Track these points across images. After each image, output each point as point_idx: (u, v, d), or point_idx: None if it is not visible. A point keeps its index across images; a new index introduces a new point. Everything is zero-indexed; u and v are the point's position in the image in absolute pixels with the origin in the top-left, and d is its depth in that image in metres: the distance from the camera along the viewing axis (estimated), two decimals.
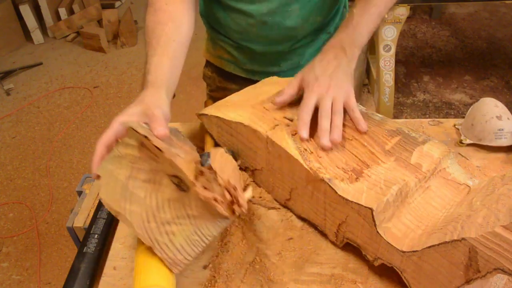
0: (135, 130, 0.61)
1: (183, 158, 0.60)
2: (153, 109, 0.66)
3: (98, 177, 0.66)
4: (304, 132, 0.72)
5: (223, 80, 1.13)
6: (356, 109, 0.74)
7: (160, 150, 0.59)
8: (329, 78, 0.75)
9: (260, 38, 0.98)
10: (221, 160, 0.64)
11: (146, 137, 0.60)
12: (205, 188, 0.58)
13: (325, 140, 0.71)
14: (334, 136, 0.71)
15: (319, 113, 0.73)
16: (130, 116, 0.67)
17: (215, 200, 0.57)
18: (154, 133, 0.62)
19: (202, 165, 0.60)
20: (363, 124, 0.73)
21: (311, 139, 0.74)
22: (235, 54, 1.05)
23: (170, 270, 0.62)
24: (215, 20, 1.02)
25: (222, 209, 0.57)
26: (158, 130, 0.62)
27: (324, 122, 0.72)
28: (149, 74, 0.74)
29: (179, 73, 0.80)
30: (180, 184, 0.61)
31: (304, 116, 0.73)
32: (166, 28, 0.79)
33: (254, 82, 0.98)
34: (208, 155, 0.67)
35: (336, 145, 0.72)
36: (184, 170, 0.58)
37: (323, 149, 0.71)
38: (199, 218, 0.60)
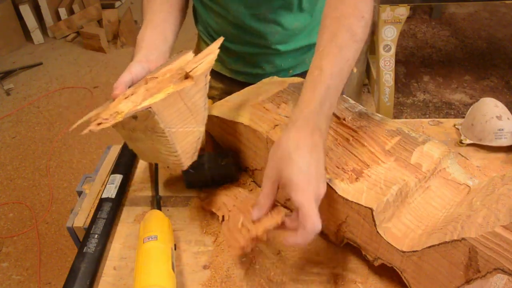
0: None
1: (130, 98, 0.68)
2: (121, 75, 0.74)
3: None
4: (255, 215, 0.63)
5: (211, 78, 1.14)
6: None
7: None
8: (315, 179, 0.60)
9: (236, 39, 0.98)
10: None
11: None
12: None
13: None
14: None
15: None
16: None
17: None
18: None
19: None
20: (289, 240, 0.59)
21: None
22: (219, 53, 1.05)
23: (171, 270, 0.62)
24: (200, 17, 1.04)
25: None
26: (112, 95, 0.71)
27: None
28: (135, 47, 0.82)
29: (169, 33, 0.85)
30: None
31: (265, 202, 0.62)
32: (157, 2, 0.87)
33: (239, 82, 0.98)
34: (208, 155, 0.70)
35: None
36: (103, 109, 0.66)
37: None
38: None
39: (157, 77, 0.70)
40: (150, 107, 0.62)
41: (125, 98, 0.67)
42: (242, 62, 1.05)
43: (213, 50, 0.73)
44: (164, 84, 0.67)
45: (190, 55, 0.77)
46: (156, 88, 0.66)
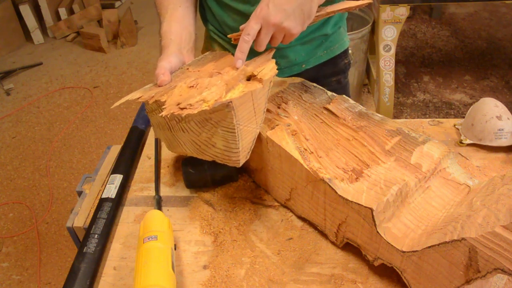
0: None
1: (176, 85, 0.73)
2: (158, 64, 0.78)
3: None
4: (239, 62, 0.73)
5: None
6: (260, 45, 0.74)
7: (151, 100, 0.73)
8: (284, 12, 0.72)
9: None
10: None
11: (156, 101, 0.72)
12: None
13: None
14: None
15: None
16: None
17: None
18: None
19: None
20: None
21: (309, 139, 0.74)
22: (232, 51, 1.05)
23: (171, 270, 0.63)
24: (212, 16, 1.03)
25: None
26: (158, 81, 0.76)
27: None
28: (162, 40, 0.85)
29: (192, 28, 0.89)
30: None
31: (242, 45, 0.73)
32: None
33: None
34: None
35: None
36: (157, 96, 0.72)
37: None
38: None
39: (220, 73, 0.75)
40: (231, 101, 0.64)
41: (190, 87, 0.71)
42: None
43: (268, 59, 0.77)
44: (234, 82, 0.70)
45: (231, 57, 0.82)
46: (231, 84, 0.69)
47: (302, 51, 1.02)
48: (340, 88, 1.13)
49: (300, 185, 0.73)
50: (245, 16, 0.94)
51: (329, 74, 1.10)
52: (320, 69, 1.06)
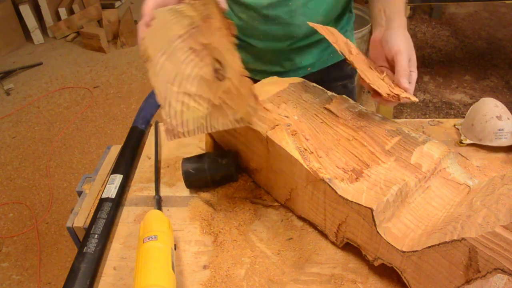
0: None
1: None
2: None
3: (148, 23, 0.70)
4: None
5: None
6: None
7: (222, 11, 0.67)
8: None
9: (260, 34, 0.97)
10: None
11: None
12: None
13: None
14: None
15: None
16: None
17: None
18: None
19: None
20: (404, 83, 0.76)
21: (309, 139, 0.74)
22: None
23: (171, 270, 0.63)
24: None
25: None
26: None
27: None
28: None
29: None
30: (219, 71, 0.64)
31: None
32: None
33: (256, 81, 0.97)
34: None
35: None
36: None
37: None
38: (217, 109, 0.62)
39: None
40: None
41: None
42: (261, 61, 1.03)
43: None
44: None
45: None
46: None
47: (309, 54, 1.02)
48: (347, 93, 1.13)
49: (300, 185, 0.73)
50: (251, 10, 0.92)
51: (335, 78, 1.09)
52: (326, 73, 1.05)
